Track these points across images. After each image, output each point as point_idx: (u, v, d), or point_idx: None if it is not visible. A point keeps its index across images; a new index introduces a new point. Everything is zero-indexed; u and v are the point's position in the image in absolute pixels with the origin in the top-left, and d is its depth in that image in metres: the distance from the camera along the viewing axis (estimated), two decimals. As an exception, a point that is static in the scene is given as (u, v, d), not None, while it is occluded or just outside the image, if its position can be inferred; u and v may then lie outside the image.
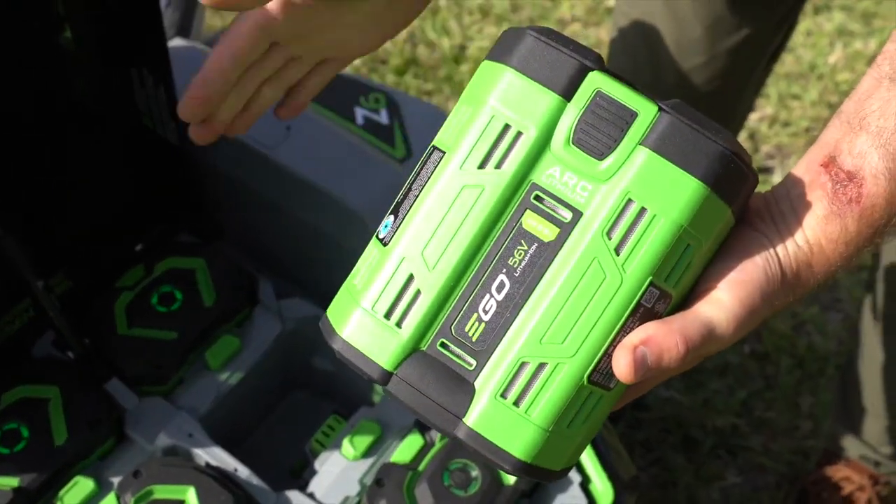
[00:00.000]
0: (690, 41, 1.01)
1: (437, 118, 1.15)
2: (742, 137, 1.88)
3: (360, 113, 1.13)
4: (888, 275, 1.03)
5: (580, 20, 2.16)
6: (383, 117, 1.12)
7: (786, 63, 2.06)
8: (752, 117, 1.93)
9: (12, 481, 0.78)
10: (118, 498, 0.78)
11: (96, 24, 0.84)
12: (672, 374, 0.49)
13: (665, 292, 0.45)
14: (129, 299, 0.92)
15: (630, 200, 0.44)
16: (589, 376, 0.45)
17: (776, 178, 1.82)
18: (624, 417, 1.40)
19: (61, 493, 0.80)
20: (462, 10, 2.18)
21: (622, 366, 0.44)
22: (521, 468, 0.45)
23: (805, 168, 0.49)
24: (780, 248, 0.47)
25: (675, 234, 0.44)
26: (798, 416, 1.44)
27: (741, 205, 0.47)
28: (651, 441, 1.40)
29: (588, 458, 0.85)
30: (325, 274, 0.97)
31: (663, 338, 0.44)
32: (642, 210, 0.44)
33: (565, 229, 0.44)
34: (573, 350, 0.44)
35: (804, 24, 2.15)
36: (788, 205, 0.48)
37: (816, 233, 0.47)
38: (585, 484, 0.84)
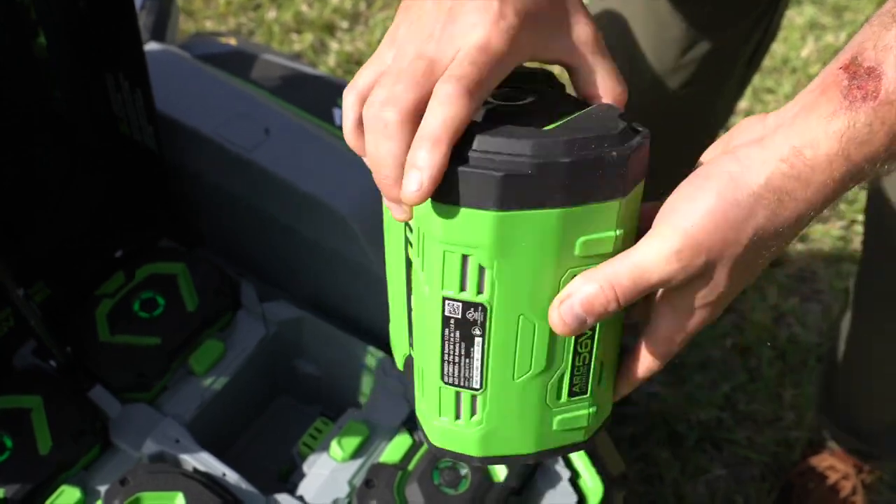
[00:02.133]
0: (667, 42, 1.00)
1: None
2: (719, 132, 1.90)
3: (337, 114, 1.13)
4: (872, 267, 1.03)
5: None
6: (362, 118, 1.12)
7: (759, 58, 2.08)
8: (728, 112, 1.94)
9: (-4, 493, 0.77)
10: (105, 506, 0.77)
11: (70, 29, 0.83)
12: (635, 320, 0.50)
13: (470, 303, 0.45)
14: (110, 306, 0.91)
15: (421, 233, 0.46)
16: (441, 378, 0.48)
17: (753, 172, 1.83)
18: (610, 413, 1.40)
19: (47, 503, 0.79)
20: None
21: (555, 322, 0.45)
22: (481, 461, 0.50)
23: (822, 75, 0.43)
24: (749, 163, 0.43)
25: (439, 250, 0.45)
26: (781, 408, 1.45)
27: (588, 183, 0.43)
28: (637, 437, 1.40)
29: (577, 455, 0.85)
30: (308, 275, 0.97)
31: (584, 285, 0.44)
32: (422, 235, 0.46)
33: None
34: (423, 361, 0.50)
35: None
36: (787, 114, 0.44)
37: (816, 133, 0.42)
38: (574, 479, 0.84)
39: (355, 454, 0.83)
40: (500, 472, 0.80)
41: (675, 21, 0.97)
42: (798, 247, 1.70)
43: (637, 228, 0.48)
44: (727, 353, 1.52)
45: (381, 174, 0.45)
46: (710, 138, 1.14)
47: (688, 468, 1.37)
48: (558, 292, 0.45)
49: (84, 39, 0.84)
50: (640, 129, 0.46)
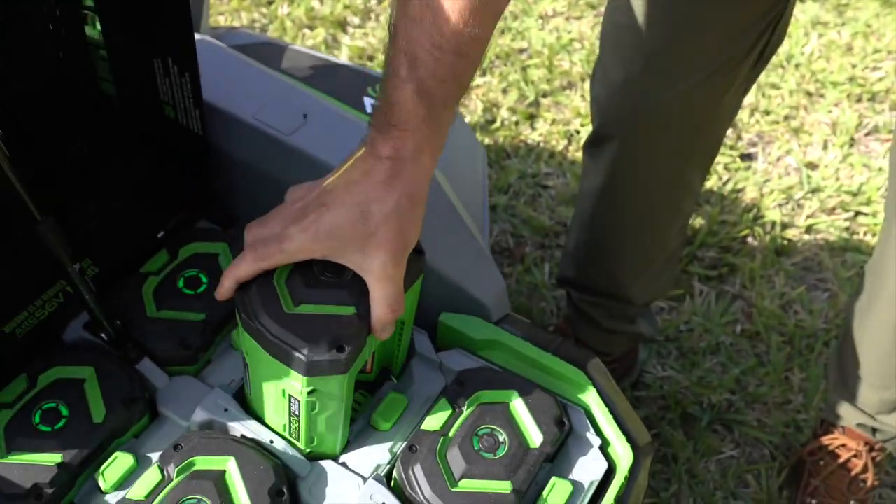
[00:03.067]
0: (681, 41, 1.03)
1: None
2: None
3: (368, 102, 1.17)
4: (885, 257, 1.07)
5: (562, 14, 2.21)
6: (391, 106, 1.16)
7: (763, 54, 2.12)
8: (734, 106, 1.99)
9: (55, 457, 0.81)
10: (161, 470, 0.80)
11: (124, 17, 0.87)
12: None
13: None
14: (156, 283, 0.95)
15: None
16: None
17: (759, 165, 1.88)
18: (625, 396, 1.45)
19: (102, 468, 0.82)
20: (447, 8, 2.22)
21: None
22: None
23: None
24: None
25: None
26: (789, 391, 1.50)
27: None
28: (651, 418, 1.45)
29: (607, 424, 0.89)
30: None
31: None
32: None
33: None
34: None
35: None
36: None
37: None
38: (604, 447, 0.88)
39: (396, 424, 0.87)
40: (535, 439, 0.83)
41: (689, 20, 1.01)
42: (804, 237, 1.74)
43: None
44: (737, 339, 1.56)
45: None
46: (718, 133, 1.18)
47: (700, 448, 1.41)
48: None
49: (137, 27, 0.87)
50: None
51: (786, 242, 1.72)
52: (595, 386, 0.91)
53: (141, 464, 0.84)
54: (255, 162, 1.01)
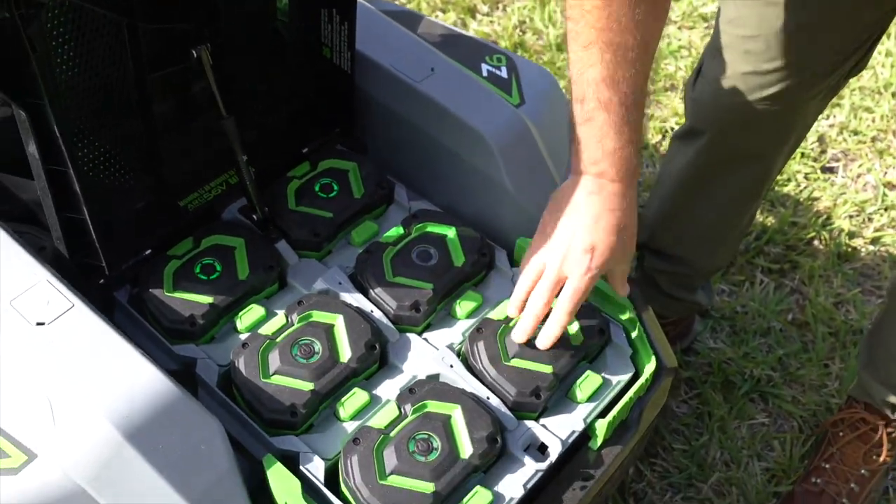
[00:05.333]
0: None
1: (547, 77, 1.40)
2: (811, 140, 2.08)
3: (485, 68, 1.39)
4: None
5: (675, 23, 2.38)
6: (503, 73, 1.38)
7: (864, 78, 2.24)
8: (823, 123, 2.13)
9: (209, 299, 1.06)
10: (287, 317, 1.05)
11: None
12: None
13: None
14: (297, 185, 1.20)
15: None
16: None
17: (838, 179, 2.01)
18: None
19: (240, 313, 1.07)
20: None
21: None
22: None
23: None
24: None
25: None
26: (827, 377, 1.64)
27: None
28: (694, 380, 1.62)
29: (639, 340, 1.08)
30: (448, 185, 1.23)
31: None
32: None
33: None
34: None
35: (886, 45, 2.32)
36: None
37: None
38: (634, 358, 1.08)
39: (470, 315, 1.09)
40: (572, 327, 1.04)
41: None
42: (869, 247, 1.87)
43: None
44: (786, 326, 1.72)
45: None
46: (800, 133, 1.34)
47: (735, 412, 1.58)
48: None
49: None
50: None
51: (850, 249, 1.86)
52: (636, 312, 1.11)
53: (269, 314, 1.08)
54: (388, 101, 1.24)
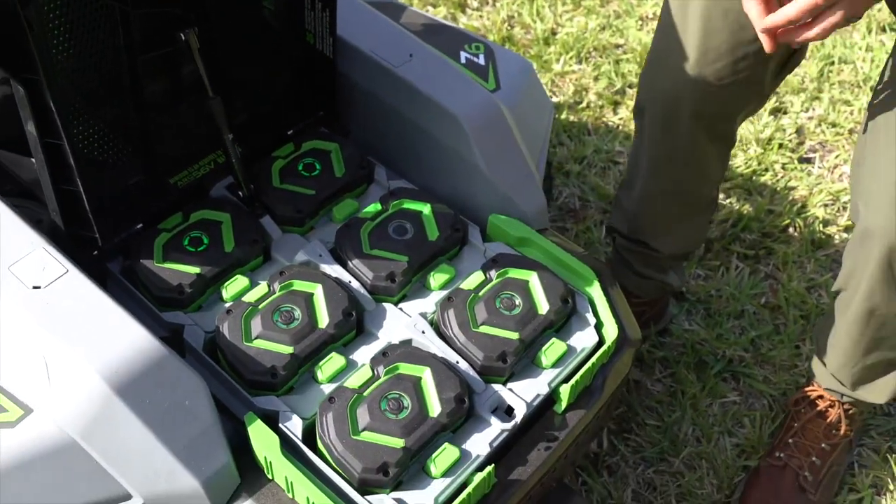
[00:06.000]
0: (737, 32, 1.24)
1: (524, 66, 1.46)
2: (789, 131, 2.14)
3: (463, 55, 1.45)
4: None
5: (660, 18, 2.44)
6: (481, 60, 1.45)
7: (844, 72, 2.30)
8: (802, 115, 2.19)
9: (196, 269, 1.12)
10: (268, 286, 1.11)
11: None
12: None
13: None
14: (282, 165, 1.26)
15: None
16: None
17: (815, 169, 2.07)
18: (648, 339, 1.69)
19: (226, 284, 1.13)
20: (556, 0, 2.49)
21: None
22: None
23: None
24: None
25: None
26: (798, 358, 1.70)
27: None
28: (668, 359, 1.68)
29: (604, 310, 1.14)
30: (426, 166, 1.29)
31: None
32: None
33: None
34: None
35: (866, 39, 2.38)
36: None
37: None
38: (599, 328, 1.14)
39: (444, 287, 1.15)
40: (543, 306, 1.10)
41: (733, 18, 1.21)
42: (842, 235, 1.93)
43: None
44: (759, 309, 1.78)
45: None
46: (738, 117, 1.39)
47: (707, 390, 1.64)
48: None
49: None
50: None
51: (823, 236, 1.92)
52: (601, 284, 1.17)
53: (252, 284, 1.14)
54: (368, 85, 1.30)
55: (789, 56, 1.29)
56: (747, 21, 1.09)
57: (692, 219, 1.51)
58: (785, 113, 2.20)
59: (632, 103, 2.19)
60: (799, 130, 2.16)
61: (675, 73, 1.27)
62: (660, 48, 1.31)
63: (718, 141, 1.39)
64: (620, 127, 2.15)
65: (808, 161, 2.10)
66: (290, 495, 0.97)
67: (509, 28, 2.41)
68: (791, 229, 1.94)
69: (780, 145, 2.11)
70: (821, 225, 1.94)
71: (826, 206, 1.99)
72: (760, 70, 1.26)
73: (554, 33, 2.40)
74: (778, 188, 2.02)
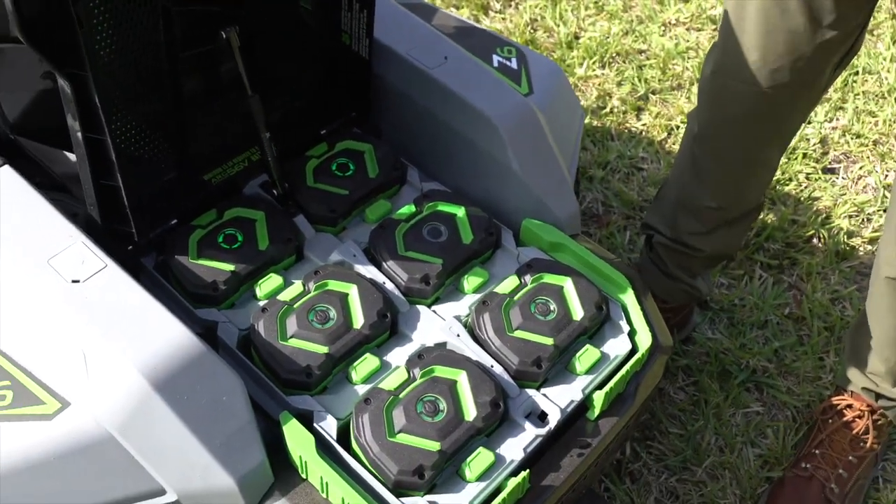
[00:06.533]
0: (796, 32, 1.23)
1: (556, 70, 1.46)
2: (813, 141, 2.14)
3: (495, 58, 1.45)
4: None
5: (684, 24, 2.44)
6: (513, 64, 1.44)
7: (868, 83, 2.30)
8: (826, 125, 2.18)
9: (230, 266, 1.12)
10: (303, 285, 1.11)
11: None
12: None
13: None
14: (315, 164, 1.26)
15: None
16: None
17: (839, 180, 2.06)
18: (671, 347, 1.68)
19: (260, 282, 1.13)
20: (579, 4, 2.48)
21: None
22: None
23: None
24: None
25: None
26: (822, 370, 1.70)
27: None
28: (692, 368, 1.68)
29: (637, 318, 1.14)
30: (459, 169, 1.29)
31: None
32: None
33: None
34: None
35: (890, 50, 2.38)
36: None
37: None
38: (632, 336, 1.13)
39: (477, 290, 1.15)
40: (578, 313, 1.10)
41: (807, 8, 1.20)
42: (867, 247, 1.93)
43: None
44: (783, 320, 1.77)
45: None
46: (788, 138, 1.39)
47: (731, 400, 1.63)
48: None
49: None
50: None
51: (848, 248, 1.91)
52: (634, 291, 1.16)
53: (286, 283, 1.14)
54: (402, 87, 1.30)
55: (848, 49, 1.28)
56: (806, 18, 1.06)
57: (739, 222, 1.50)
58: (809, 123, 2.19)
59: (655, 109, 2.19)
60: (823, 140, 2.15)
61: (737, 78, 1.27)
62: (720, 55, 1.31)
63: (774, 144, 1.39)
64: (644, 133, 2.15)
65: (833, 171, 2.09)
66: (324, 495, 0.97)
67: (532, 31, 2.41)
68: (815, 240, 1.93)
69: (804, 155, 2.11)
70: (845, 236, 1.94)
71: (850, 217, 1.98)
72: (819, 68, 1.26)
73: (577, 37, 2.40)
74: (802, 198, 2.01)
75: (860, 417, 1.46)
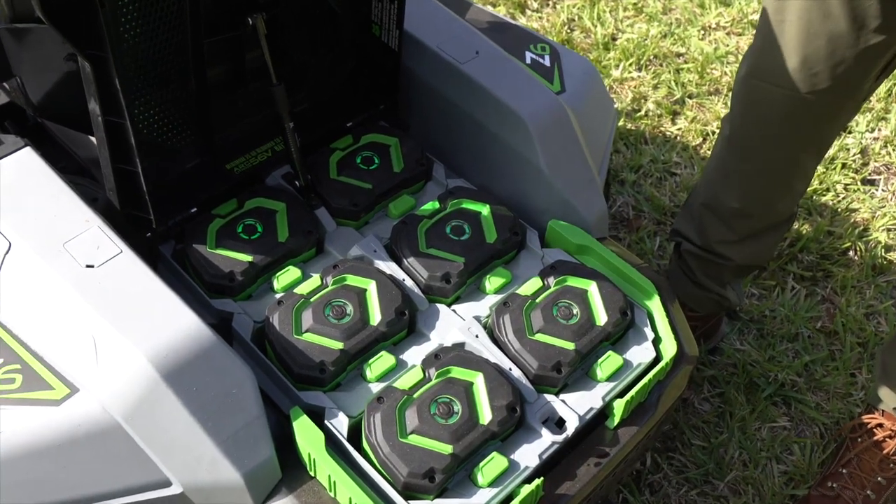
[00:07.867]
0: (838, 36, 1.19)
1: (590, 69, 1.43)
2: (853, 151, 2.08)
3: (528, 55, 1.42)
4: None
5: (724, 28, 2.39)
6: (546, 61, 1.41)
7: (910, 95, 2.23)
8: (868, 135, 2.12)
9: (248, 257, 1.10)
10: (321, 279, 1.08)
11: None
12: None
13: None
14: (340, 157, 1.24)
15: None
16: None
17: (878, 192, 2.01)
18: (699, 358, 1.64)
19: (278, 274, 1.11)
20: (618, 5, 2.44)
21: None
22: None
23: None
24: None
25: None
26: (853, 387, 1.65)
27: None
28: (718, 379, 1.63)
29: (662, 325, 1.11)
30: (485, 164, 1.26)
31: None
32: None
33: None
34: None
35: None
36: None
37: None
38: (656, 343, 1.10)
39: (499, 290, 1.12)
40: (601, 318, 1.06)
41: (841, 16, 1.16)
42: (904, 262, 1.87)
43: None
44: (815, 333, 1.72)
45: None
46: (824, 146, 1.34)
47: (757, 413, 1.59)
48: None
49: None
50: None
51: (885, 262, 1.85)
52: (661, 297, 1.13)
53: (304, 276, 1.12)
54: (432, 81, 1.28)
55: (893, 56, 1.23)
56: (849, 22, 1.03)
57: (769, 232, 1.46)
58: (849, 132, 2.13)
59: (691, 114, 2.14)
60: (863, 151, 2.09)
61: (772, 81, 1.23)
62: (757, 57, 1.27)
63: (807, 152, 1.34)
64: (678, 137, 2.10)
65: (872, 183, 2.04)
66: (331, 494, 0.95)
67: (569, 31, 2.37)
68: (851, 252, 1.88)
69: (843, 165, 2.05)
70: (883, 250, 1.88)
71: (889, 230, 1.93)
72: (860, 75, 1.21)
73: (614, 39, 2.36)
74: (839, 209, 1.96)
75: (891, 437, 1.41)
